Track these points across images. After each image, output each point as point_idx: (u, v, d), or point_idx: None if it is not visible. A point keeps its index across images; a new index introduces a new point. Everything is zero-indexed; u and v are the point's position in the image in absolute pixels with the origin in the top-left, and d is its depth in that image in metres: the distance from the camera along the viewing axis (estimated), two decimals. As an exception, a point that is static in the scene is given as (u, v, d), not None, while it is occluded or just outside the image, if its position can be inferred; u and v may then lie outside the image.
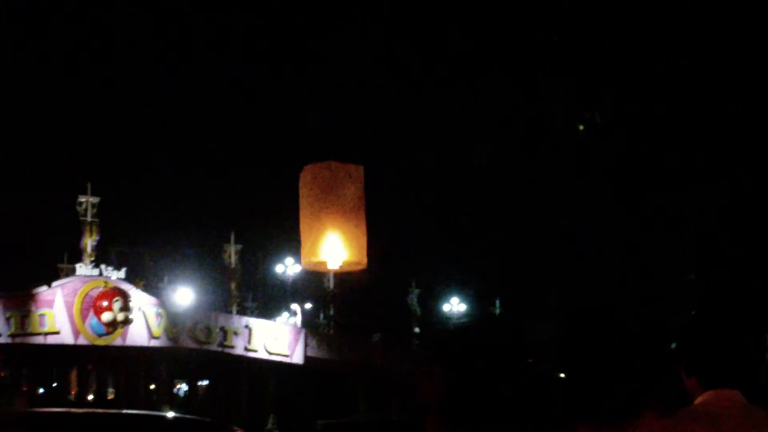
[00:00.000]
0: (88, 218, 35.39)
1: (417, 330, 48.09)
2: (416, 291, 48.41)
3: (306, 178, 12.49)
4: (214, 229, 46.19)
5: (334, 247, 12.30)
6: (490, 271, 57.13)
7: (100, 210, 35.78)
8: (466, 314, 52.19)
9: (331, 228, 12.35)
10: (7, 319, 32.84)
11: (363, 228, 12.50)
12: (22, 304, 33.34)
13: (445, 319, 51.57)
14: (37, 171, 60.71)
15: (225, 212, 49.29)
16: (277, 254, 49.61)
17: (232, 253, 40.42)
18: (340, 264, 12.13)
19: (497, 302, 53.04)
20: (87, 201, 35.54)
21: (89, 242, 35.32)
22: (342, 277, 45.02)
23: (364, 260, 12.29)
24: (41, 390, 45.13)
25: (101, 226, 35.72)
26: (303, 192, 12.51)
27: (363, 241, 12.33)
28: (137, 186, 60.14)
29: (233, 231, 40.57)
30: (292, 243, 48.63)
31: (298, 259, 48.40)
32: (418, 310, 48.48)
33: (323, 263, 11.84)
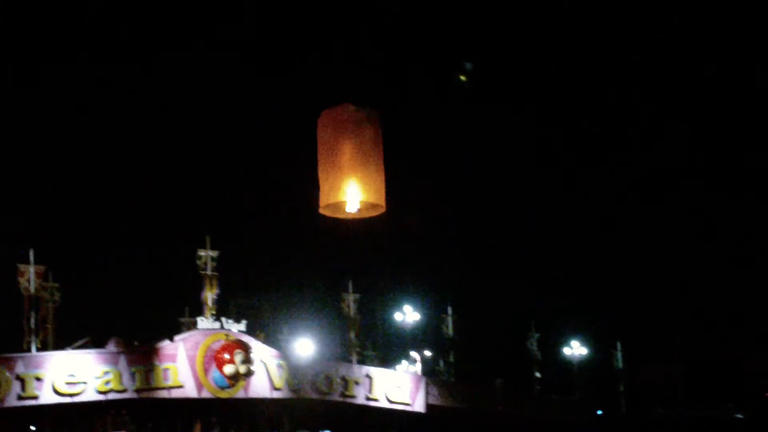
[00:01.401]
0: (208, 272, 35.71)
1: (538, 375, 47.41)
2: (536, 335, 47.77)
3: (323, 122, 12.31)
4: (332, 279, 46.32)
5: (351, 189, 11.98)
6: (610, 314, 56.19)
7: (220, 263, 36.09)
8: (587, 358, 51.26)
9: (348, 170, 12.04)
10: (132, 374, 33.16)
11: (381, 171, 12.15)
12: (146, 359, 33.68)
13: (566, 363, 50.71)
14: (158, 226, 61.80)
15: (342, 262, 49.43)
16: (395, 302, 49.51)
17: (350, 302, 40.44)
18: (358, 207, 11.86)
19: (618, 345, 52.04)
20: (206, 255, 35.87)
21: (210, 295, 35.62)
22: (461, 324, 44.89)
23: (383, 203, 12.01)
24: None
25: (221, 279, 36.03)
26: (320, 135, 12.29)
27: (381, 184, 12.02)
28: (255, 239, 60.71)
29: (351, 280, 40.62)
30: (410, 291, 48.49)
31: (417, 307, 48.61)
32: (539, 355, 47.81)
33: (341, 205, 11.61)
